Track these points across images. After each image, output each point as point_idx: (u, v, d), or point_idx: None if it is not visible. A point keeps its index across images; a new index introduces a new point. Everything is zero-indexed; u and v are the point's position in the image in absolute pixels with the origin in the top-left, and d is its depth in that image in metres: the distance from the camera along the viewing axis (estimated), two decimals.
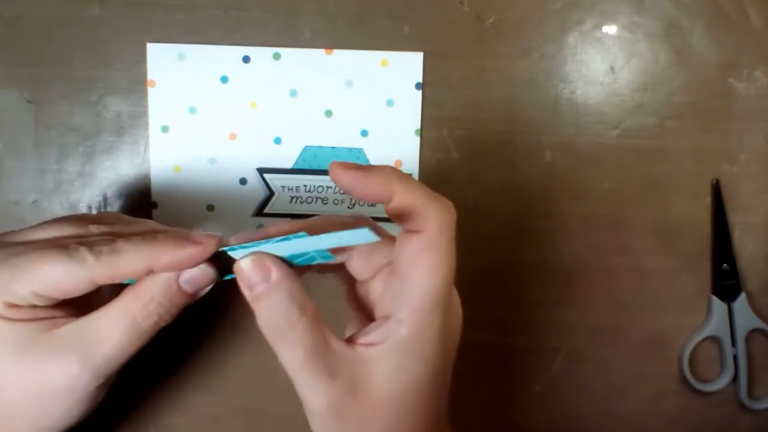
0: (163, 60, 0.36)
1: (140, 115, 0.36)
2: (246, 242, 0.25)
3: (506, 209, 0.37)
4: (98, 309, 0.26)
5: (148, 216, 0.37)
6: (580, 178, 0.37)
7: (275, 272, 0.24)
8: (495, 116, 0.37)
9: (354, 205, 0.37)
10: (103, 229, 0.27)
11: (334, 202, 0.37)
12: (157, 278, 0.26)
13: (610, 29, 0.37)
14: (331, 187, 0.37)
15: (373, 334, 0.24)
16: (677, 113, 0.37)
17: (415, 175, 0.37)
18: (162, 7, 0.36)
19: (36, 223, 0.36)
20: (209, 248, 0.25)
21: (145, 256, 0.25)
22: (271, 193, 0.37)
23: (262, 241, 0.25)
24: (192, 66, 0.36)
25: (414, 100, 0.36)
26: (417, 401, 0.25)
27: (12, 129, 0.36)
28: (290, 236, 0.24)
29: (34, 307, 0.25)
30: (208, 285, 0.27)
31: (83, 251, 0.24)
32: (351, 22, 0.36)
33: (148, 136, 0.37)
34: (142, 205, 0.37)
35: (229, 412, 0.38)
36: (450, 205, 0.26)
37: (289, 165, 0.37)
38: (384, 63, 0.36)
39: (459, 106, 0.37)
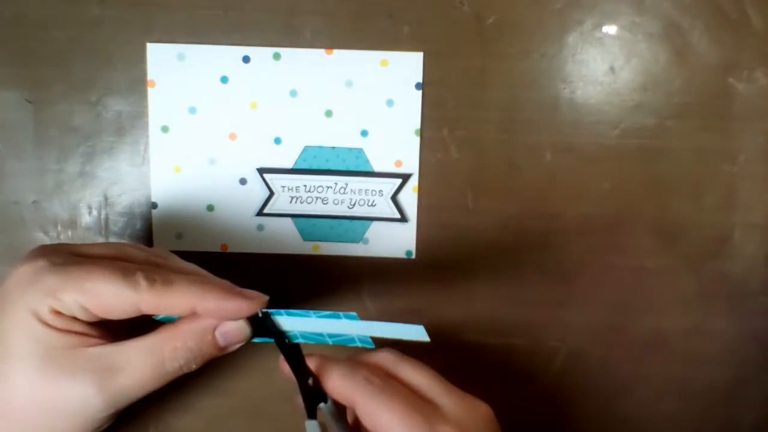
0: (163, 60, 0.36)
1: (140, 115, 0.36)
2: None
3: (506, 209, 0.37)
4: (129, 340, 0.26)
5: (149, 216, 0.37)
6: (580, 178, 0.37)
7: None
8: (495, 116, 0.37)
9: (354, 205, 0.37)
10: (159, 261, 0.28)
11: (334, 202, 0.37)
12: (195, 324, 0.26)
13: (610, 29, 0.37)
14: (331, 187, 0.37)
15: None
16: (677, 113, 0.37)
17: (415, 175, 0.37)
18: (162, 7, 0.36)
19: (35, 223, 0.36)
20: (256, 305, 0.27)
21: (194, 294, 0.26)
22: (271, 193, 0.37)
23: (311, 312, 0.27)
24: (192, 66, 0.36)
25: (414, 100, 0.36)
26: None
27: (12, 129, 0.36)
28: (340, 314, 0.27)
29: (74, 320, 0.25)
30: (241, 342, 0.27)
31: (139, 276, 0.25)
32: (351, 22, 0.36)
33: (148, 136, 0.37)
34: (142, 205, 0.37)
35: (230, 412, 0.38)
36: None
37: (289, 165, 0.37)
38: (384, 63, 0.36)
39: (459, 106, 0.37)
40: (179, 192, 0.37)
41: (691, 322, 0.38)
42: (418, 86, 0.36)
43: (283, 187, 0.37)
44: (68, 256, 0.26)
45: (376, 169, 0.37)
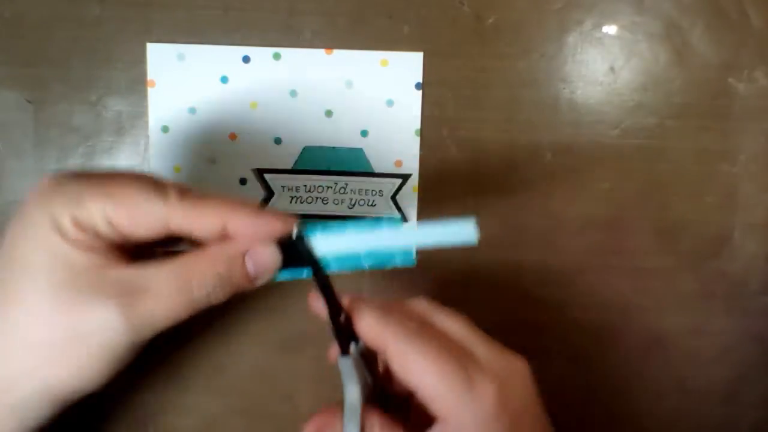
0: (163, 60, 0.36)
1: (140, 115, 0.36)
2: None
3: (506, 209, 0.37)
4: (154, 263, 0.24)
5: None
6: (580, 178, 0.37)
7: None
8: (495, 116, 0.37)
9: (354, 205, 0.37)
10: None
11: (334, 202, 0.37)
12: (224, 249, 0.25)
13: (610, 29, 0.37)
14: (331, 187, 0.37)
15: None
16: (677, 113, 0.37)
17: (415, 175, 0.37)
18: (162, 7, 0.36)
19: None
20: (290, 223, 0.25)
21: (226, 210, 0.24)
22: (271, 193, 0.37)
23: (349, 222, 0.25)
24: (192, 66, 0.36)
25: (414, 100, 0.36)
26: None
27: (12, 129, 0.36)
28: (382, 219, 0.25)
29: (96, 237, 0.23)
30: (271, 272, 0.26)
31: (170, 188, 0.24)
32: (351, 22, 0.36)
33: (148, 136, 0.37)
34: None
35: (229, 412, 0.38)
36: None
37: (289, 165, 0.37)
38: (384, 63, 0.36)
39: (459, 106, 0.37)
40: None
41: (691, 322, 0.38)
42: (418, 86, 0.36)
43: (283, 187, 0.37)
44: (94, 171, 0.25)
45: (376, 169, 0.37)
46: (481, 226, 0.38)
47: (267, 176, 0.37)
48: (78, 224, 0.23)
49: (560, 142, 0.37)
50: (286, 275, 0.26)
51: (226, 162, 0.37)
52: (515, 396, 0.25)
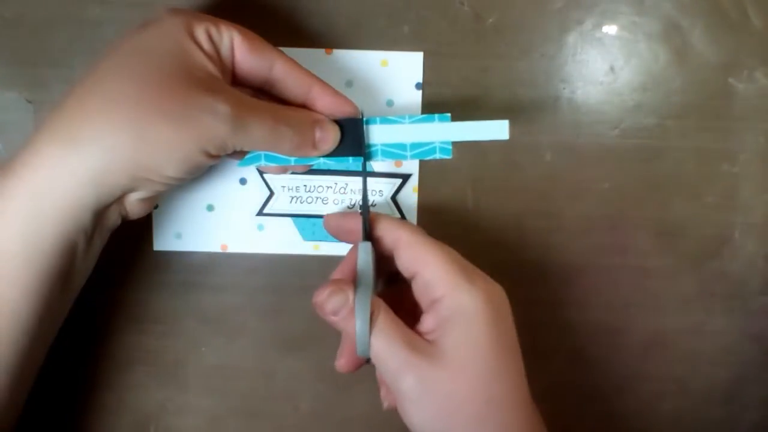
0: None
1: None
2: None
3: (506, 209, 0.37)
4: (249, 93, 0.30)
5: (149, 217, 0.37)
6: (580, 178, 0.37)
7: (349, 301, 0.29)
8: (495, 116, 0.37)
9: (354, 205, 0.37)
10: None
11: (334, 202, 0.37)
12: (304, 113, 0.31)
13: (610, 29, 0.37)
14: (331, 187, 0.37)
15: (427, 322, 0.29)
16: (677, 113, 0.37)
17: (415, 175, 0.37)
18: (162, 8, 0.36)
19: None
20: (355, 108, 0.32)
21: (316, 80, 0.31)
22: (271, 193, 0.37)
23: (402, 117, 0.32)
24: None
25: (414, 100, 0.36)
26: (488, 364, 0.29)
27: (12, 129, 0.36)
28: (434, 116, 0.32)
29: (219, 56, 0.29)
30: (330, 143, 0.31)
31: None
32: (351, 22, 0.36)
33: None
34: None
35: (229, 412, 0.38)
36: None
37: None
38: (384, 63, 0.36)
39: (459, 106, 0.37)
40: (179, 192, 0.37)
41: (691, 322, 0.38)
42: (418, 86, 0.36)
43: (283, 187, 0.37)
44: None
45: (376, 169, 0.37)
46: (482, 226, 0.38)
47: (267, 176, 0.37)
48: (211, 39, 0.28)
49: (560, 142, 0.37)
50: (333, 161, 0.32)
51: (226, 162, 0.37)
52: (501, 309, 0.30)
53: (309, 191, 0.37)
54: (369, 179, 0.37)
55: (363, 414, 0.38)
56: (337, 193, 0.37)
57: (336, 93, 0.32)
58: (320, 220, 0.37)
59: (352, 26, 0.36)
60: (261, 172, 0.37)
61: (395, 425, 0.39)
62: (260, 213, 0.37)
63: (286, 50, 0.36)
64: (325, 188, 0.37)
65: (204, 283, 0.38)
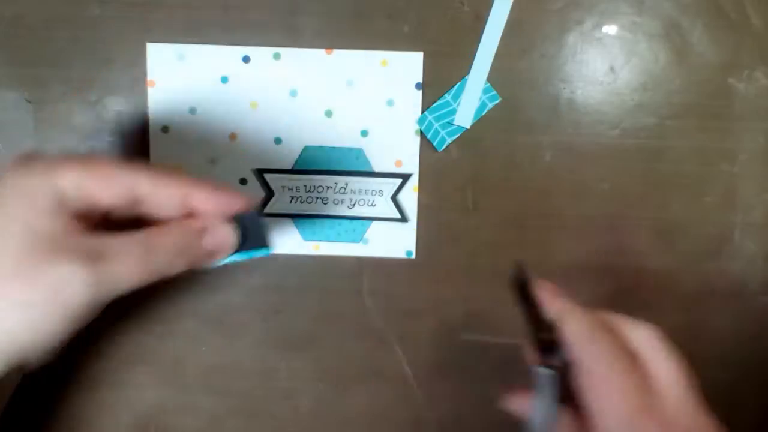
0: (163, 60, 0.36)
1: (140, 115, 0.36)
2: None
3: (506, 209, 0.37)
4: (120, 234, 0.26)
5: None
6: (580, 178, 0.37)
7: None
8: (495, 116, 0.37)
9: (354, 204, 0.37)
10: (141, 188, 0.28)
11: (334, 202, 0.37)
12: (185, 222, 0.27)
13: (610, 29, 0.37)
14: (331, 187, 0.37)
15: None
16: (677, 113, 0.37)
17: (416, 175, 0.37)
18: (162, 7, 0.36)
19: None
20: (247, 201, 0.28)
21: (188, 183, 0.27)
22: (271, 193, 0.37)
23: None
24: (192, 66, 0.36)
25: (414, 100, 0.36)
26: None
27: (12, 129, 0.36)
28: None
29: (67, 205, 0.25)
30: (227, 248, 0.28)
31: (137, 163, 0.27)
32: (351, 22, 0.36)
33: (148, 136, 0.37)
34: None
35: (230, 412, 0.38)
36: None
37: (289, 165, 0.37)
38: (384, 63, 0.36)
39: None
40: None
41: (691, 322, 0.38)
42: (418, 86, 0.36)
43: (283, 187, 0.37)
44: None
45: (376, 169, 0.37)
46: (482, 226, 0.38)
47: (267, 176, 0.37)
48: (53, 192, 0.25)
49: (560, 142, 0.37)
50: (239, 257, 0.29)
51: (226, 162, 0.37)
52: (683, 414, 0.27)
53: (309, 191, 0.37)
54: (368, 179, 0.37)
55: (363, 414, 0.38)
56: (337, 193, 0.37)
57: (219, 191, 0.28)
58: (320, 220, 0.37)
59: (352, 26, 0.36)
60: (261, 172, 0.37)
61: (395, 425, 0.39)
62: (260, 213, 0.37)
63: (286, 50, 0.36)
64: (325, 188, 0.37)
65: (204, 283, 0.38)
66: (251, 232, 0.28)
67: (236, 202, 0.28)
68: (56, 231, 0.25)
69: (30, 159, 0.26)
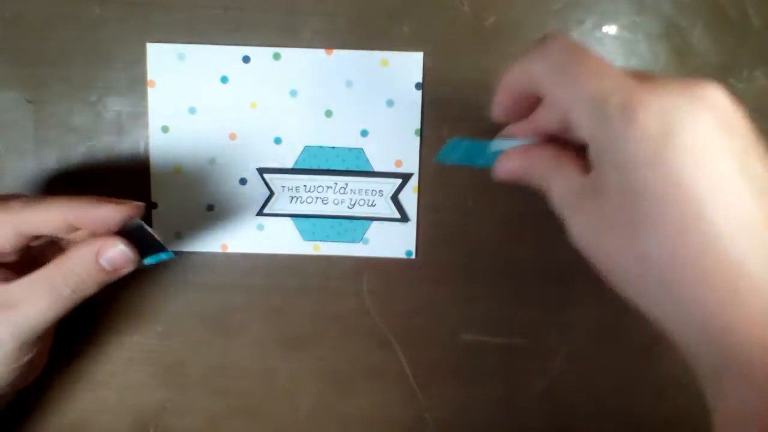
0: (163, 60, 0.36)
1: (140, 115, 0.36)
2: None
3: (506, 209, 0.37)
4: (21, 277, 0.28)
5: (149, 216, 0.37)
6: None
7: None
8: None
9: (354, 204, 0.37)
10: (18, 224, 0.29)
11: (334, 202, 0.37)
12: (78, 251, 0.28)
13: (610, 29, 0.37)
14: (331, 187, 0.37)
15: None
16: None
17: (415, 176, 0.37)
18: (162, 7, 0.36)
19: None
20: (126, 210, 0.28)
21: (63, 205, 0.28)
22: (271, 193, 0.37)
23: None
24: (192, 66, 0.36)
25: (414, 100, 0.36)
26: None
27: (12, 129, 0.36)
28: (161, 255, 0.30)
29: None
30: (128, 263, 0.29)
31: (12, 200, 0.28)
32: (351, 22, 0.36)
33: (148, 136, 0.37)
34: None
35: (229, 412, 0.38)
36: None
37: (289, 165, 0.37)
38: (384, 63, 0.36)
39: (459, 106, 0.37)
40: (179, 192, 0.37)
41: None
42: (418, 86, 0.36)
43: (283, 187, 0.37)
44: None
45: (376, 169, 0.37)
46: (482, 226, 0.38)
47: (267, 176, 0.37)
48: None
49: None
50: (152, 260, 0.30)
51: (226, 162, 0.37)
52: (698, 132, 0.20)
53: (309, 191, 0.37)
54: (368, 179, 0.37)
55: (363, 414, 0.38)
56: (337, 193, 0.37)
57: (91, 205, 0.28)
58: (320, 220, 0.37)
59: (352, 26, 0.36)
60: (261, 172, 0.37)
61: (395, 425, 0.39)
62: (260, 213, 0.37)
63: (286, 50, 0.36)
64: (325, 188, 0.37)
65: (204, 283, 0.38)
66: (144, 240, 0.29)
67: (115, 215, 0.28)
68: None
69: None
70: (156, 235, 0.30)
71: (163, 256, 0.30)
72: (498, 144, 0.29)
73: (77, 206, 0.28)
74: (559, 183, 0.25)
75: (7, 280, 0.28)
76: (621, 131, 0.21)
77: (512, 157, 0.27)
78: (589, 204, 0.24)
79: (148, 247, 0.29)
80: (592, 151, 0.23)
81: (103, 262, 0.28)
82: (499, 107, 0.27)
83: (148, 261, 0.30)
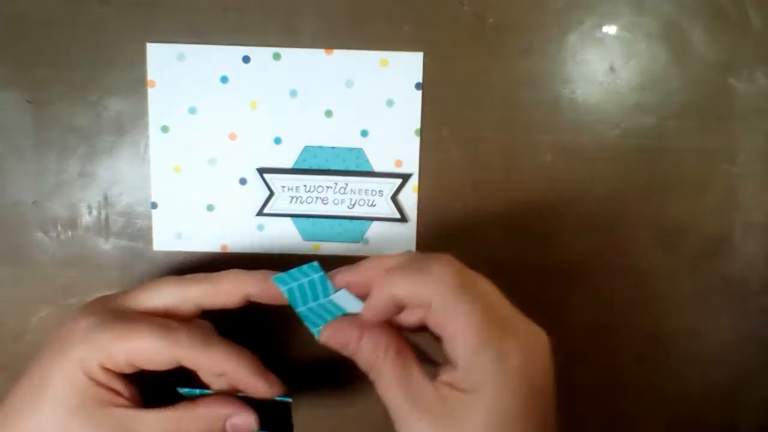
0: (163, 60, 0.36)
1: (140, 115, 0.36)
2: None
3: (506, 209, 0.37)
4: (149, 409, 0.28)
5: (149, 216, 0.37)
6: (580, 178, 0.37)
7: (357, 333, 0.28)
8: (495, 116, 0.37)
9: (354, 205, 0.37)
10: (201, 292, 0.30)
11: (334, 202, 0.37)
12: (210, 410, 0.29)
13: (610, 29, 0.37)
14: (331, 187, 0.37)
15: (448, 375, 0.26)
16: (677, 113, 0.37)
17: (415, 176, 0.37)
18: (162, 7, 0.36)
19: (35, 223, 0.37)
20: (277, 390, 0.29)
21: (229, 361, 0.28)
22: (271, 193, 0.37)
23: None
24: (192, 66, 0.36)
25: (414, 100, 0.36)
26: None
27: (12, 129, 0.36)
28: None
29: (115, 375, 0.28)
30: None
31: (181, 333, 0.28)
32: (351, 22, 0.36)
33: (148, 136, 0.37)
34: (142, 205, 0.37)
35: None
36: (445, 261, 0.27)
37: (289, 165, 0.37)
38: (384, 63, 0.36)
39: (459, 106, 0.37)
40: (179, 192, 0.37)
41: (691, 322, 0.38)
42: (418, 86, 0.36)
43: (283, 187, 0.37)
44: (117, 312, 0.29)
45: (376, 169, 0.37)
46: (482, 226, 0.38)
47: (267, 176, 0.37)
48: (104, 368, 0.27)
49: (560, 142, 0.37)
50: None
51: (226, 162, 0.37)
52: (538, 369, 0.26)
53: (309, 191, 0.37)
54: (368, 179, 0.37)
55: (363, 414, 0.38)
56: (337, 193, 0.37)
57: (253, 373, 0.29)
58: (320, 220, 0.37)
59: (352, 26, 0.36)
60: (261, 172, 0.37)
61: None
62: (260, 213, 0.37)
63: (286, 50, 0.36)
64: (325, 188, 0.37)
65: None
66: (277, 419, 0.30)
67: (266, 390, 0.29)
68: (98, 401, 0.27)
69: (86, 333, 0.28)
70: (290, 419, 0.30)
71: None
72: (343, 298, 0.30)
73: (242, 367, 0.29)
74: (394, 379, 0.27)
75: (133, 402, 0.28)
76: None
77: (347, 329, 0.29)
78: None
79: (268, 425, 0.30)
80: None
81: (229, 426, 0.29)
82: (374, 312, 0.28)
83: None
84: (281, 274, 0.29)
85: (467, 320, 0.25)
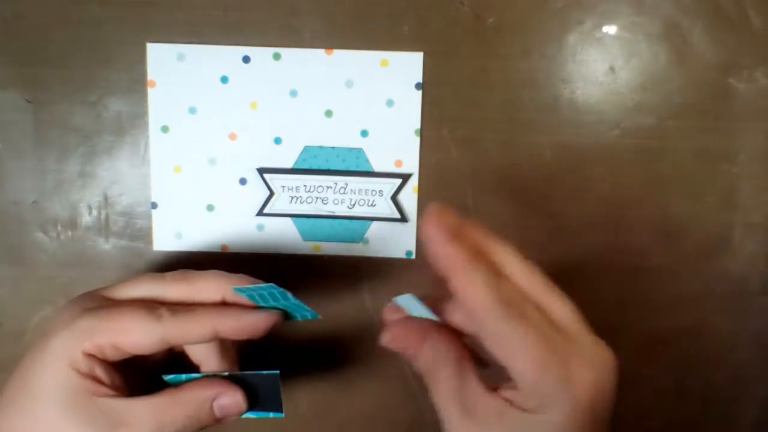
0: (163, 60, 0.36)
1: (140, 115, 0.36)
2: None
3: (506, 209, 0.37)
4: (135, 397, 0.28)
5: (149, 216, 0.37)
6: (580, 178, 0.37)
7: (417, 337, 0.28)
8: (495, 116, 0.37)
9: (354, 204, 0.37)
10: (180, 291, 0.30)
11: (334, 202, 0.37)
12: (196, 393, 0.29)
13: (610, 29, 0.37)
14: (331, 187, 0.37)
15: (508, 392, 0.25)
16: (677, 113, 0.37)
17: (415, 176, 0.37)
18: (162, 7, 0.36)
19: (35, 223, 0.37)
20: (273, 318, 0.29)
21: (213, 316, 0.28)
22: (271, 193, 0.37)
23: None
24: (192, 66, 0.36)
25: (414, 100, 0.36)
26: None
27: (12, 129, 0.36)
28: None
29: (99, 363, 0.27)
30: (235, 415, 0.29)
31: (162, 309, 0.28)
32: (351, 22, 0.36)
33: (148, 136, 0.37)
34: (142, 205, 0.37)
35: None
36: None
37: (289, 165, 0.37)
38: (384, 63, 0.36)
39: (459, 106, 0.37)
40: (179, 192, 0.37)
41: (691, 322, 0.38)
42: (418, 86, 0.36)
43: (283, 187, 0.37)
44: (100, 300, 0.29)
45: (376, 169, 0.37)
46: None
47: (267, 176, 0.37)
48: (88, 355, 0.27)
49: (560, 142, 0.37)
50: (252, 414, 0.30)
51: (226, 162, 0.37)
52: (605, 394, 0.25)
53: (309, 191, 0.37)
54: (368, 179, 0.37)
55: (363, 414, 0.38)
56: (337, 193, 0.37)
57: (240, 316, 0.29)
58: (320, 220, 0.37)
59: (352, 26, 0.36)
60: (261, 172, 0.37)
61: (395, 425, 0.39)
62: (260, 213, 0.37)
63: (286, 50, 0.36)
64: (325, 188, 0.37)
65: None
66: (266, 393, 0.30)
67: (261, 322, 0.29)
68: (86, 392, 0.27)
69: (70, 321, 0.27)
70: (279, 393, 0.30)
71: (268, 414, 0.30)
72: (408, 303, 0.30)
73: (227, 316, 0.28)
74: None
75: (120, 391, 0.28)
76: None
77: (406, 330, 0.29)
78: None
79: (257, 401, 0.30)
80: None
81: (216, 407, 0.29)
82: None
83: (250, 414, 0.30)
84: (242, 287, 0.29)
85: (525, 347, 0.24)
